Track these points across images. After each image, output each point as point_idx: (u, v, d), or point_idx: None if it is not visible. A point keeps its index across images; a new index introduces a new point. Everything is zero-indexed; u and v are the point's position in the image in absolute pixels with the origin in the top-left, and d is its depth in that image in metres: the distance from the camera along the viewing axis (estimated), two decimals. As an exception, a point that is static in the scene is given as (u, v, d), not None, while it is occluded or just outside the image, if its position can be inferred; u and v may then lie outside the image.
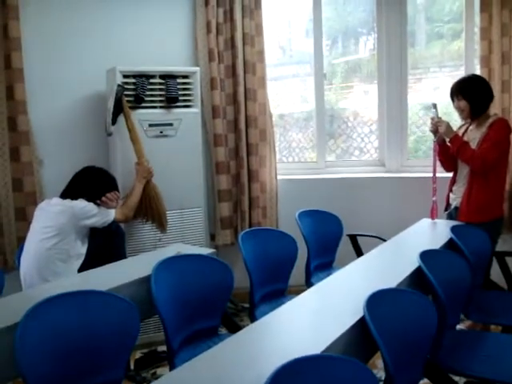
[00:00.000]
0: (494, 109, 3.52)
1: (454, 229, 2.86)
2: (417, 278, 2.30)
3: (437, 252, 2.51)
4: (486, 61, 3.61)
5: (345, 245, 3.34)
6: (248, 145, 3.73)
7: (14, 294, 2.17)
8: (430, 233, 3.10)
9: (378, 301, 1.82)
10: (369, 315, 1.72)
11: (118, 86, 3.05)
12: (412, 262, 2.35)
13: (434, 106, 3.18)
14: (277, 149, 4.01)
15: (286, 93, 4.39)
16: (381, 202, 3.90)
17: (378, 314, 1.76)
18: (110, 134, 3.15)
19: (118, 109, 3.06)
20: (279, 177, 3.93)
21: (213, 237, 3.81)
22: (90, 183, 2.79)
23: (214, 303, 2.40)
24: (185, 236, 3.38)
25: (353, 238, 3.43)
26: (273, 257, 2.84)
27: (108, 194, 2.77)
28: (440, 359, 2.15)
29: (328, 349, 1.57)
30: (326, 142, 4.24)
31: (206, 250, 2.71)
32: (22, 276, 2.65)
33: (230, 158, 3.76)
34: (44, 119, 3.34)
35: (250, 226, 3.75)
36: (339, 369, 1.42)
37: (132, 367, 3.02)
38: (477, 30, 3.75)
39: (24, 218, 3.22)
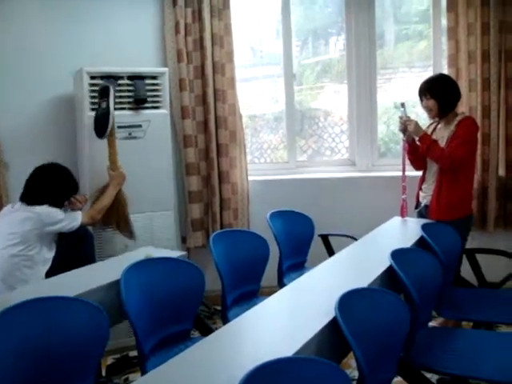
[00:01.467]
0: (462, 107, 3.59)
1: (424, 227, 2.88)
2: (388, 277, 2.30)
3: (408, 250, 2.52)
4: (453, 60, 3.66)
5: (317, 245, 3.33)
6: (218, 146, 3.70)
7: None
8: (400, 231, 3.12)
9: (349, 301, 1.81)
10: (340, 316, 1.71)
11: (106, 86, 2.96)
12: (383, 261, 2.34)
13: (402, 105, 3.20)
14: (248, 150, 3.99)
15: (256, 94, 4.36)
16: (352, 201, 3.91)
17: (350, 314, 1.75)
18: (105, 137, 3.00)
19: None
20: (251, 178, 3.91)
21: (184, 239, 3.77)
22: (54, 185, 2.70)
23: (186, 306, 2.36)
24: (155, 239, 3.32)
25: (324, 238, 3.43)
26: (244, 258, 2.81)
27: (77, 197, 2.71)
28: (413, 357, 2.15)
29: (300, 350, 1.55)
30: (297, 143, 4.23)
31: (176, 253, 2.66)
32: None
33: (200, 159, 3.72)
34: (9, 122, 3.28)
35: (222, 227, 3.71)
36: (312, 371, 1.40)
37: (104, 373, 2.96)
38: (444, 29, 3.80)
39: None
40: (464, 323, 3.06)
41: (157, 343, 2.22)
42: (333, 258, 2.67)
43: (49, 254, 2.64)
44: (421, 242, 2.81)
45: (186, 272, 2.40)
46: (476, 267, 3.13)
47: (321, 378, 1.39)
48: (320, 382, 1.39)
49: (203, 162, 3.73)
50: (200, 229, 3.72)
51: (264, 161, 4.29)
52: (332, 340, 1.74)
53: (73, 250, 2.71)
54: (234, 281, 2.73)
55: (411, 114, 3.23)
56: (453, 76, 3.58)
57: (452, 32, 3.64)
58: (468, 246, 3.17)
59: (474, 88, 3.64)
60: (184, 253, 2.68)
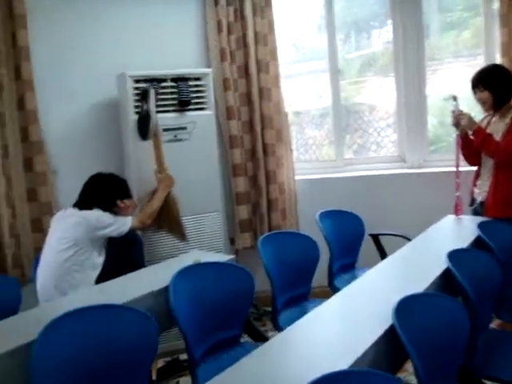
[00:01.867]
0: None
1: (481, 225, 2.75)
2: (445, 280, 2.20)
3: (465, 251, 2.41)
4: (506, 49, 3.48)
5: (367, 245, 3.24)
6: (264, 145, 3.65)
7: (31, 310, 2.13)
8: (455, 230, 3.00)
9: (406, 307, 1.73)
10: (398, 323, 1.64)
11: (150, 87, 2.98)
12: (439, 263, 2.25)
13: (454, 98, 3.07)
14: (293, 146, 3.93)
15: (301, 90, 4.29)
16: (403, 199, 3.78)
17: (408, 321, 1.68)
18: (148, 139, 3.03)
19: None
20: (297, 177, 3.84)
21: (232, 241, 3.74)
22: (103, 191, 2.74)
23: (236, 311, 2.33)
24: (203, 241, 3.31)
25: (375, 238, 3.33)
26: (294, 260, 2.76)
27: (126, 201, 2.72)
28: (474, 364, 2.05)
29: (357, 361, 1.49)
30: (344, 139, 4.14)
31: (224, 257, 2.64)
32: (38, 288, 2.61)
33: (246, 159, 3.68)
34: (56, 128, 3.30)
35: (270, 228, 3.67)
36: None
37: (154, 377, 2.97)
38: (495, 17, 3.61)
39: (40, 229, 3.18)
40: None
41: (207, 349, 2.20)
42: (386, 260, 2.58)
43: (99, 259, 2.66)
44: (477, 242, 2.69)
45: (234, 276, 2.38)
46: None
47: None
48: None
49: (250, 162, 3.69)
50: (248, 230, 3.68)
51: (309, 157, 4.21)
52: (389, 349, 1.67)
53: (122, 255, 2.72)
54: (284, 283, 2.68)
55: (462, 107, 3.08)
56: (506, 66, 3.41)
57: (505, 19, 3.45)
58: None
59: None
60: (232, 256, 2.64)
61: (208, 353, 2.19)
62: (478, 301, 2.10)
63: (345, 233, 3.23)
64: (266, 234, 2.85)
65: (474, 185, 3.18)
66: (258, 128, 3.62)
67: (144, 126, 2.88)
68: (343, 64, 4.15)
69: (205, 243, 3.30)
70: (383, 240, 3.30)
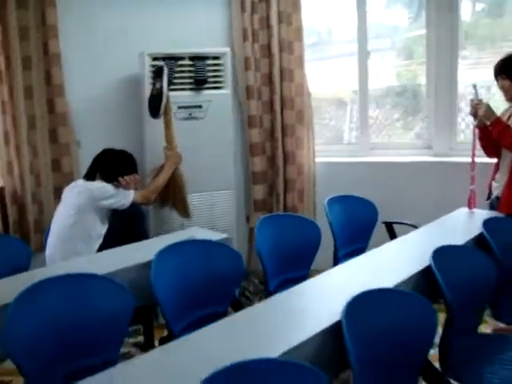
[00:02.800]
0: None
1: (487, 222, 2.63)
2: (426, 278, 2.14)
3: (455, 248, 2.31)
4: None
5: (382, 232, 3.19)
6: (283, 126, 3.64)
7: (21, 274, 2.28)
8: (463, 224, 2.89)
9: (360, 303, 1.71)
10: (346, 321, 1.62)
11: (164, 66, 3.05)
12: (425, 259, 2.19)
13: (474, 86, 2.92)
14: (353, 125, 3.85)
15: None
16: (424, 187, 3.67)
17: (357, 320, 1.66)
18: (159, 117, 3.10)
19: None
20: (320, 159, 3.82)
21: (248, 219, 3.79)
22: (107, 165, 2.86)
23: (222, 290, 2.38)
24: (216, 218, 3.39)
25: (389, 226, 3.27)
26: (292, 243, 2.78)
27: (126, 177, 2.82)
28: (447, 367, 2.02)
29: (292, 350, 1.52)
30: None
31: (220, 236, 2.69)
32: (46, 254, 2.78)
33: (265, 139, 3.69)
34: (81, 102, 3.44)
35: (285, 209, 3.69)
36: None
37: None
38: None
39: (62, 197, 3.37)
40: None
41: (188, 324, 2.27)
42: (377, 249, 2.54)
43: (101, 229, 2.79)
44: (480, 239, 2.58)
45: (223, 255, 2.42)
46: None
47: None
48: None
49: (268, 142, 3.71)
50: (262, 209, 3.71)
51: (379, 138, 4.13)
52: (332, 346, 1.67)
53: (124, 228, 2.83)
54: (279, 266, 2.71)
55: (487, 97, 2.93)
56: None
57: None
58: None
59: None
60: (227, 236, 2.69)
61: (189, 328, 2.27)
62: (458, 303, 2.05)
63: (355, 219, 3.19)
64: (266, 215, 2.87)
65: (493, 178, 3.04)
66: (278, 108, 3.61)
67: (155, 105, 2.95)
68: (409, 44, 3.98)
69: (216, 220, 3.38)
70: (398, 228, 3.23)
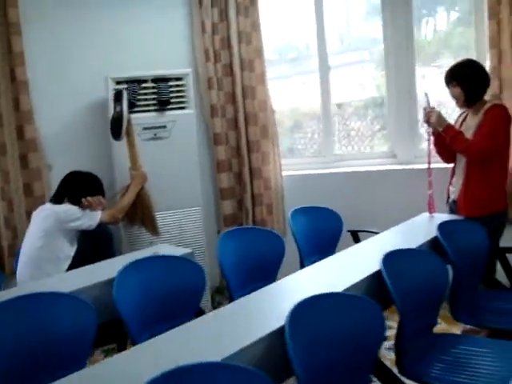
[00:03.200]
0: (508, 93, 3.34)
1: (442, 225, 2.73)
2: (378, 282, 2.22)
3: (407, 252, 2.40)
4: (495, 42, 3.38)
5: (349, 241, 3.27)
6: (248, 142, 3.75)
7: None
8: (421, 228, 2.96)
9: (305, 309, 1.76)
10: (289, 327, 1.68)
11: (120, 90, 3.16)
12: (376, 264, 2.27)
13: (426, 95, 3.05)
14: (335, 138, 4.02)
15: (345, 81, 4.28)
16: (391, 195, 3.76)
17: (301, 325, 1.72)
18: (121, 138, 3.21)
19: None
20: (287, 172, 3.92)
21: (219, 233, 3.87)
22: (73, 187, 2.95)
23: (186, 302, 2.45)
24: (184, 234, 3.47)
25: (354, 234, 3.36)
26: (256, 255, 2.85)
27: (89, 198, 2.90)
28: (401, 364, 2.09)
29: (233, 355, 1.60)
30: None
31: (183, 251, 2.76)
32: (17, 277, 2.85)
33: (231, 155, 3.80)
34: (50, 127, 3.53)
35: (254, 223, 3.78)
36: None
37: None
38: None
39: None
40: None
41: (151, 336, 2.34)
42: (334, 255, 2.64)
43: (70, 251, 2.86)
44: (435, 242, 2.68)
45: (186, 270, 2.49)
46: (507, 268, 2.93)
47: None
48: None
49: (235, 158, 3.81)
50: (232, 224, 3.80)
51: (352, 149, 4.23)
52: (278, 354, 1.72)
53: (92, 248, 2.90)
54: (244, 278, 2.78)
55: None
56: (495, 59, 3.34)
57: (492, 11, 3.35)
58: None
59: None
60: (189, 251, 2.77)
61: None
62: (408, 305, 2.13)
63: (321, 229, 3.28)
64: (228, 229, 2.96)
65: (450, 183, 3.15)
66: (242, 125, 3.72)
67: (117, 127, 3.05)
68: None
69: (184, 237, 3.46)
70: (364, 236, 3.31)
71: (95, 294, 2.31)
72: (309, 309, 1.79)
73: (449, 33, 4.11)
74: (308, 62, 4.40)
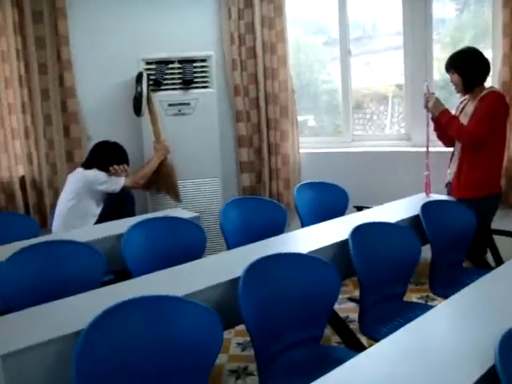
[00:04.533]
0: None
1: (425, 205, 2.91)
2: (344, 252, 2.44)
3: (379, 225, 2.62)
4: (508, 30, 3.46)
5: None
6: (268, 120, 4.04)
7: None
8: (409, 206, 3.14)
9: (261, 267, 2.04)
10: (243, 280, 1.95)
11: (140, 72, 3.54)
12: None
13: (426, 82, 3.20)
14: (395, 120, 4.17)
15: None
16: (401, 175, 3.93)
17: (255, 281, 1.99)
18: (141, 115, 3.64)
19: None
20: (304, 150, 4.18)
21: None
22: (101, 155, 3.36)
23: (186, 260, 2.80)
24: (203, 202, 3.84)
25: (360, 210, 3.58)
26: (258, 224, 3.15)
27: (115, 166, 3.31)
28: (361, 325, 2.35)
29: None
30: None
31: (191, 215, 3.10)
32: (52, 231, 3.32)
33: (252, 132, 4.11)
34: (90, 102, 3.98)
35: (271, 196, 4.08)
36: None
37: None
38: None
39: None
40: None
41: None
42: (319, 224, 2.92)
43: (97, 210, 3.30)
44: (417, 219, 2.87)
45: (189, 230, 2.83)
46: (493, 248, 3.08)
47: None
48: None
49: (255, 134, 4.11)
50: (251, 195, 4.10)
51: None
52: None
53: (115, 208, 3.32)
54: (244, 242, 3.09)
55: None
56: (507, 47, 3.43)
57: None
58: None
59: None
60: (197, 215, 3.11)
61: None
62: (370, 275, 2.37)
63: (326, 204, 3.53)
64: (235, 197, 3.29)
65: (448, 166, 3.30)
66: (263, 104, 4.00)
67: (137, 105, 3.45)
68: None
69: (204, 204, 3.83)
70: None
71: (109, 245, 2.71)
72: (266, 264, 2.08)
73: (465, 22, 4.18)
74: (372, 42, 4.52)
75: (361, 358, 1.47)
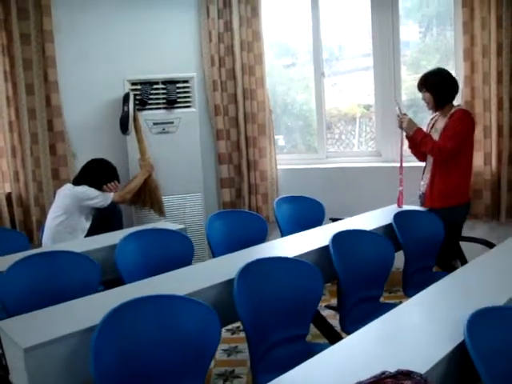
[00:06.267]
0: (478, 100, 3.73)
1: (397, 214, 3.13)
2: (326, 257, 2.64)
3: (357, 232, 2.83)
4: (468, 54, 3.77)
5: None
6: (247, 138, 4.26)
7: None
8: (384, 216, 3.36)
9: (252, 269, 2.23)
10: (237, 281, 2.15)
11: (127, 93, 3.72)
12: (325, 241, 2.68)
13: (397, 103, 3.45)
14: (362, 139, 4.41)
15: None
16: (373, 189, 4.16)
17: (249, 280, 2.18)
18: (128, 133, 3.79)
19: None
20: (281, 166, 4.41)
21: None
22: (94, 173, 3.49)
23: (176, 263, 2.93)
24: (186, 216, 4.00)
25: (335, 221, 3.80)
26: (241, 234, 3.33)
27: (109, 184, 3.46)
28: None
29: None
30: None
31: (177, 226, 3.26)
32: (42, 246, 3.42)
33: (232, 149, 4.32)
34: (75, 121, 4.11)
35: (250, 209, 4.27)
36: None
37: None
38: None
39: (59, 200, 4.01)
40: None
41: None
42: (300, 233, 3.13)
43: (86, 224, 3.42)
44: (390, 228, 3.10)
45: (177, 240, 2.99)
46: (460, 254, 3.33)
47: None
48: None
49: (235, 152, 4.33)
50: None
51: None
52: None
53: (104, 222, 3.44)
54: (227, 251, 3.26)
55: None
56: (468, 70, 3.74)
57: (467, 26, 3.75)
58: (483, 236, 3.41)
59: (487, 82, 3.73)
60: (183, 226, 3.28)
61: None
62: (349, 276, 2.57)
63: (303, 216, 3.74)
64: (217, 211, 3.47)
65: (422, 178, 3.52)
66: (242, 123, 4.22)
67: (125, 124, 3.63)
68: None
69: (188, 218, 4.00)
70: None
71: (101, 256, 2.84)
72: (257, 267, 2.27)
73: (428, 45, 4.53)
74: (339, 64, 4.76)
75: (339, 345, 1.66)
